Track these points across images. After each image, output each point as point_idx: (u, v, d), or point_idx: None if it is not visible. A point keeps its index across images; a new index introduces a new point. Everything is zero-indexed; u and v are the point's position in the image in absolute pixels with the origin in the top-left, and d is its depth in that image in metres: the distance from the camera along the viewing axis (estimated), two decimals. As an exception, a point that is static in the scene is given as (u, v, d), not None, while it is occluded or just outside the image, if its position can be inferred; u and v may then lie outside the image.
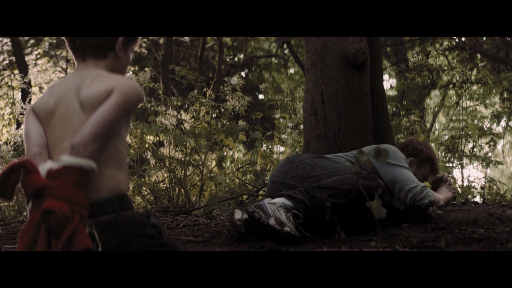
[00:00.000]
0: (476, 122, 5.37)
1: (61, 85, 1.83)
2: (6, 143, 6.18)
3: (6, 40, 13.04)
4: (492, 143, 5.42)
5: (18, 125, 7.55)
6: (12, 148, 5.78)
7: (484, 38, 13.00)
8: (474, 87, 6.78)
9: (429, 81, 11.08)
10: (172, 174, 5.11)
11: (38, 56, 13.93)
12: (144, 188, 5.30)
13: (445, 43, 13.76)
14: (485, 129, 5.38)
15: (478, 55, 12.83)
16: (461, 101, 5.70)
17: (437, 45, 12.89)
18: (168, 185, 5.19)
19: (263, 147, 6.12)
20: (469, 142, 5.45)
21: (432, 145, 5.37)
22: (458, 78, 5.88)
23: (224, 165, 7.70)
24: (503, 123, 5.94)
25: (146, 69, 5.74)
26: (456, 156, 5.43)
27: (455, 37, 13.58)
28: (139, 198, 5.27)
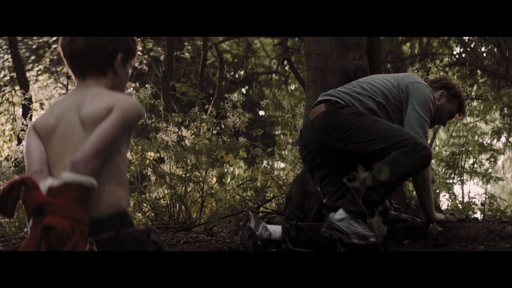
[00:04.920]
0: (476, 138, 5.37)
1: (61, 103, 1.84)
2: (7, 159, 6.19)
3: (7, 56, 13.10)
4: (492, 159, 5.43)
5: (19, 141, 7.57)
6: (13, 164, 5.79)
7: (484, 54, 13.05)
8: (475, 103, 6.80)
9: (429, 97, 11.08)
10: (172, 191, 5.10)
11: (39, 72, 13.98)
12: (145, 205, 5.29)
13: (446, 59, 13.82)
14: (486, 145, 5.38)
15: (479, 71, 12.87)
16: (461, 117, 5.71)
17: (438, 62, 12.94)
18: (168, 201, 5.19)
19: (264, 163, 6.12)
20: (469, 158, 5.45)
21: (433, 161, 5.37)
22: (458, 94, 5.88)
23: (224, 182, 7.70)
24: (503, 139, 5.94)
25: (146, 85, 5.75)
26: (457, 172, 5.42)
27: (455, 53, 13.63)
28: (140, 214, 5.27)
